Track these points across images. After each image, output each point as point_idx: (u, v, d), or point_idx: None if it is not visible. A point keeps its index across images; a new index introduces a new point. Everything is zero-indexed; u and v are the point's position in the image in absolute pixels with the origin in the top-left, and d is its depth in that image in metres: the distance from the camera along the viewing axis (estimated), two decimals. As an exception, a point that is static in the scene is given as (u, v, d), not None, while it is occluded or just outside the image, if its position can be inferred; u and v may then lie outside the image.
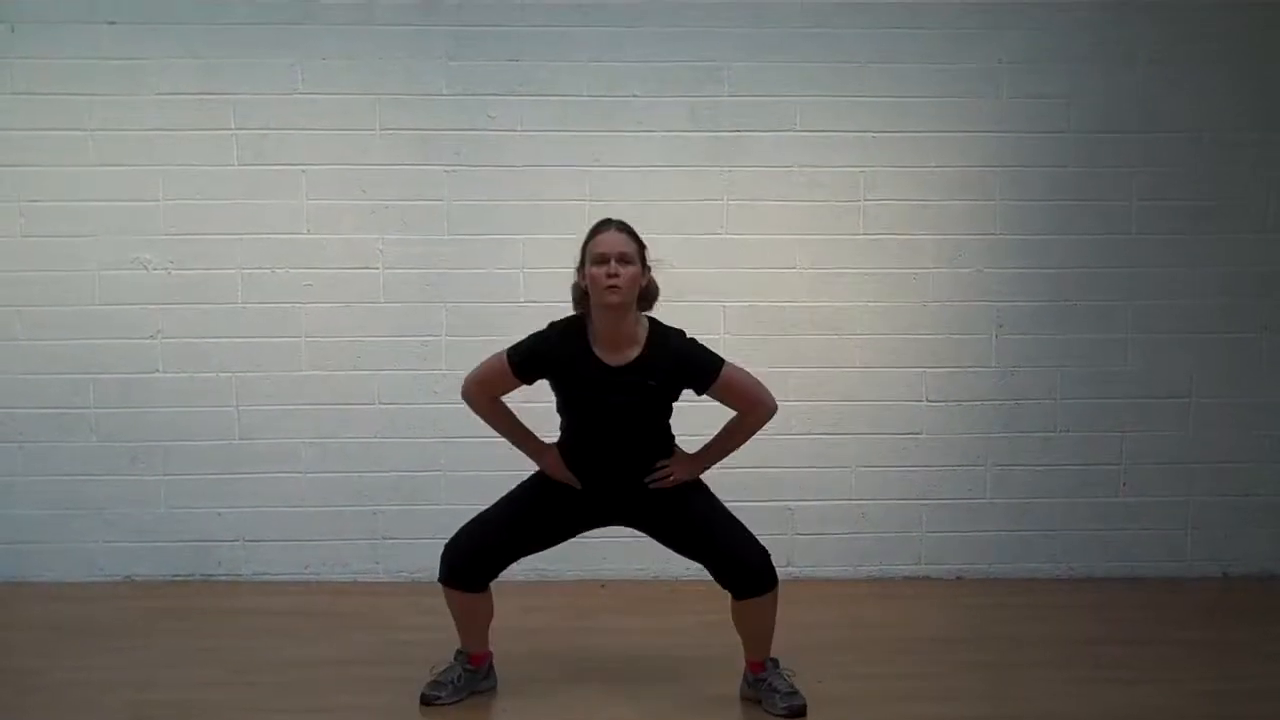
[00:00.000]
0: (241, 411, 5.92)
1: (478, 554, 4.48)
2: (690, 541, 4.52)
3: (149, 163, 5.79)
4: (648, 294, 4.47)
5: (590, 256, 4.33)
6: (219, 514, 5.96)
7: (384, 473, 5.97)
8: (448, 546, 4.52)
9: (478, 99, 5.82)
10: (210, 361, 5.89)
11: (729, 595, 4.45)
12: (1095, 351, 6.05)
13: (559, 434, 4.61)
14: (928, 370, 6.02)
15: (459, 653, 4.67)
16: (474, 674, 4.65)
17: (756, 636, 4.57)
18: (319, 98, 5.80)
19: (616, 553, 5.90)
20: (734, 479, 5.85)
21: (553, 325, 4.50)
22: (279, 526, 5.98)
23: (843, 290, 5.97)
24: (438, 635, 5.10)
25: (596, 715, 4.46)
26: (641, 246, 4.39)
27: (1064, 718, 4.45)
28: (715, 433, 4.62)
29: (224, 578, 5.97)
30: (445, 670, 4.64)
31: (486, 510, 4.59)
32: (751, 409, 4.54)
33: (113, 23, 5.75)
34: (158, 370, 5.88)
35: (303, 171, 5.82)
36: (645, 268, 4.40)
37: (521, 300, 5.73)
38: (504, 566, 4.53)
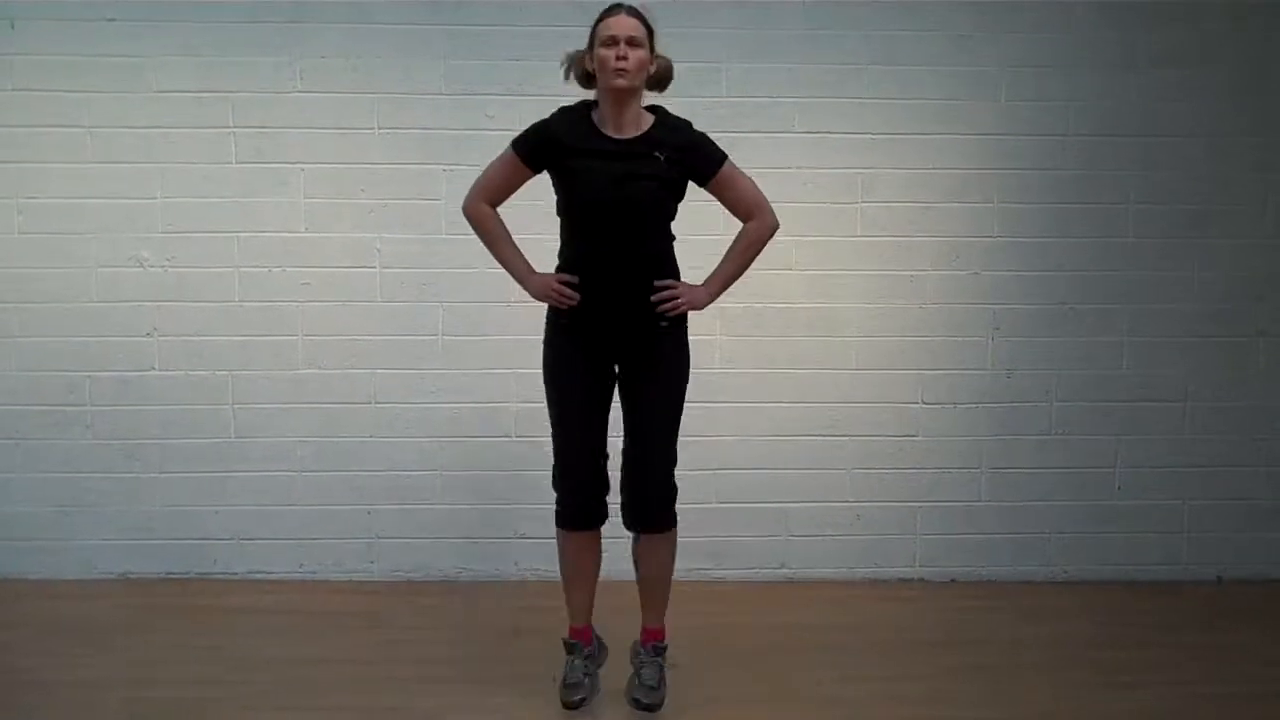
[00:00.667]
0: (237, 410, 5.93)
1: (580, 471, 4.51)
2: (633, 417, 4.50)
3: (147, 160, 5.80)
4: (660, 77, 4.44)
5: (599, 39, 4.31)
6: (215, 512, 5.97)
7: (379, 472, 5.98)
8: (560, 477, 4.55)
9: (476, 98, 5.83)
10: (206, 360, 5.90)
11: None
12: (1092, 354, 6.07)
13: (558, 262, 4.52)
14: (924, 372, 6.04)
15: (569, 644, 4.65)
16: (592, 655, 4.67)
17: (648, 588, 4.62)
18: (317, 96, 5.81)
19: (616, 551, 5.92)
20: (728, 480, 5.93)
21: (557, 110, 4.48)
22: (274, 525, 5.98)
23: (840, 292, 5.98)
24: (433, 635, 5.16)
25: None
26: (651, 31, 4.37)
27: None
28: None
29: (219, 576, 5.98)
30: (569, 670, 4.60)
31: (554, 425, 4.56)
32: (754, 212, 4.51)
33: (112, 20, 5.75)
34: (154, 368, 5.89)
35: (301, 170, 5.83)
36: (654, 52, 4.38)
37: (517, 301, 5.69)
38: (603, 460, 4.54)
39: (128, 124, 5.78)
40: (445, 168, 5.84)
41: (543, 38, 5.76)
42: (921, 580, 6.12)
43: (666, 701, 4.54)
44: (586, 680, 4.57)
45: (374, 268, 5.88)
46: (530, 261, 4.58)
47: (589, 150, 4.33)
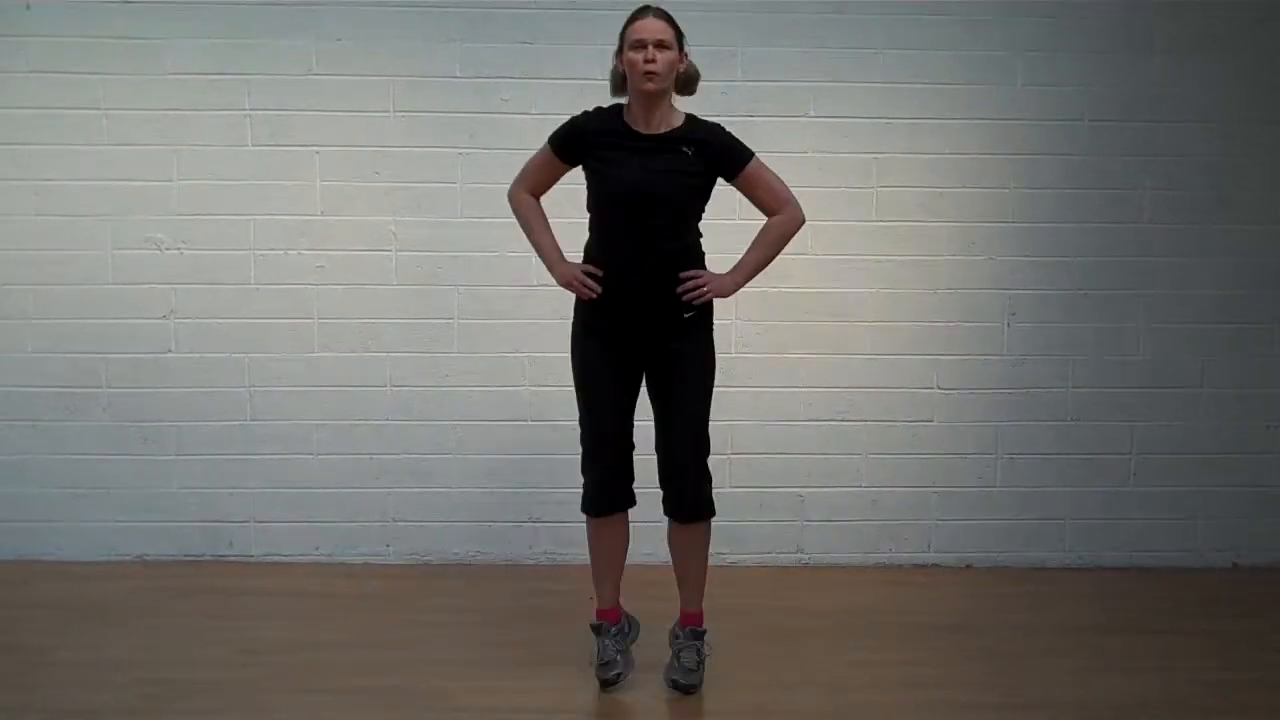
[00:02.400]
0: (254, 392, 5.98)
1: (606, 459, 4.58)
2: (665, 410, 4.58)
3: (163, 143, 5.85)
4: (687, 79, 4.54)
5: (628, 42, 4.43)
6: (231, 494, 6.02)
7: (395, 455, 6.03)
8: (589, 465, 4.62)
9: (491, 82, 5.88)
10: (223, 342, 5.96)
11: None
12: (1107, 340, 6.10)
13: (584, 255, 4.60)
14: (939, 357, 6.08)
15: (597, 627, 4.72)
16: (622, 632, 4.73)
17: (686, 575, 4.70)
18: (333, 79, 5.85)
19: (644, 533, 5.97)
20: (744, 465, 5.97)
21: (593, 108, 4.59)
22: (290, 508, 6.04)
23: (855, 277, 6.02)
24: (449, 617, 5.20)
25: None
26: (679, 34, 4.47)
27: (1070, 706, 4.50)
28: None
29: (235, 558, 6.04)
30: (600, 650, 4.67)
31: (582, 415, 4.62)
32: (780, 207, 4.60)
33: (128, 2, 5.80)
34: (170, 350, 5.94)
35: (316, 153, 5.88)
36: (683, 54, 4.49)
37: (534, 283, 5.74)
38: (629, 449, 4.62)
39: (144, 106, 5.84)
40: (460, 151, 5.89)
41: (557, 20, 5.82)
42: (936, 565, 6.16)
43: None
44: (619, 657, 4.64)
45: (390, 250, 5.93)
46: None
47: (618, 144, 4.44)
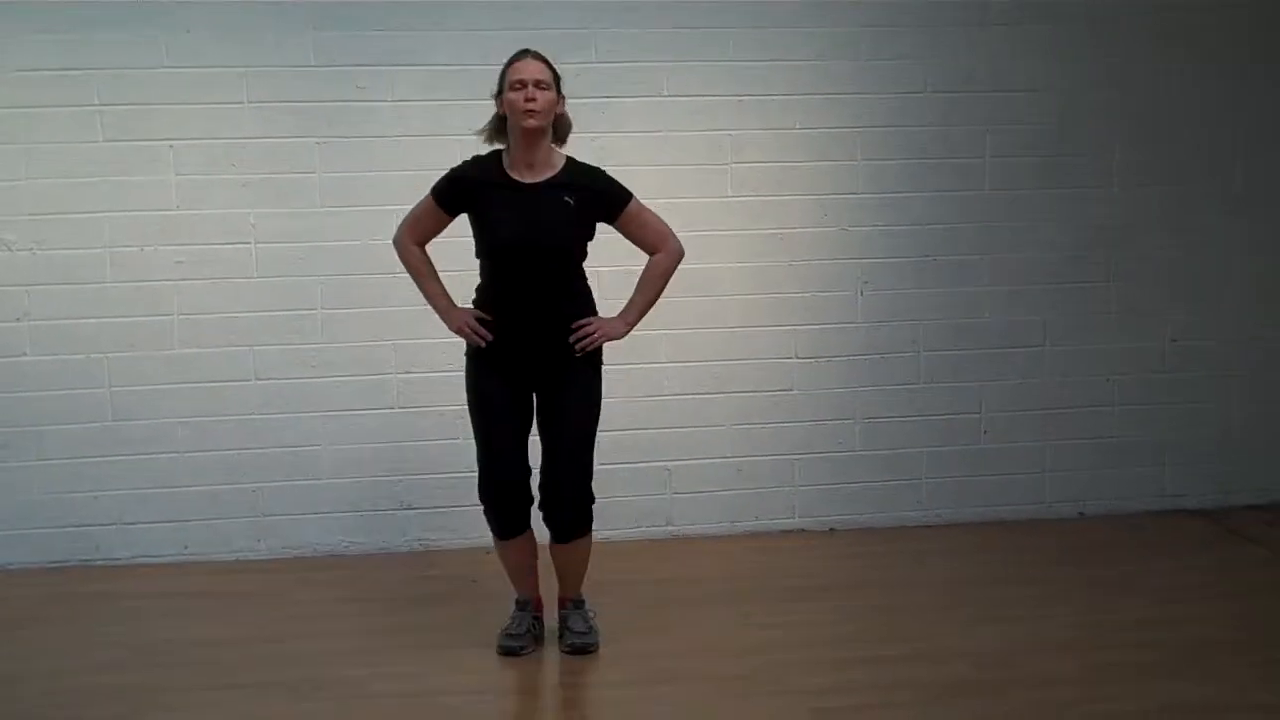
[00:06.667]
0: (114, 393, 6.01)
1: (507, 487, 4.76)
2: (548, 438, 4.83)
3: (10, 141, 5.85)
4: (560, 126, 4.75)
5: (508, 83, 4.61)
6: (95, 498, 6.05)
7: (263, 449, 6.13)
8: (488, 501, 4.81)
9: (346, 70, 5.99)
10: (80, 343, 5.97)
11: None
12: (955, 305, 6.49)
13: (474, 296, 4.81)
14: (797, 328, 6.39)
15: (520, 602, 4.96)
16: (540, 620, 4.99)
17: (564, 575, 4.97)
18: (185, 71, 5.91)
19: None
20: (611, 441, 6.08)
21: (472, 157, 4.78)
22: (157, 508, 6.09)
23: (714, 252, 6.25)
24: (334, 609, 5.33)
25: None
26: (557, 76, 4.66)
27: (971, 654, 4.80)
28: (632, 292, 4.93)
29: (101, 562, 6.06)
30: (515, 622, 4.93)
31: (479, 450, 4.82)
32: (660, 244, 4.88)
33: (-35, -1, 5.76)
34: (26, 354, 5.94)
35: (170, 146, 5.92)
36: (560, 96, 4.68)
37: (398, 271, 5.80)
38: (528, 474, 4.80)
39: (-11, 105, 5.84)
40: (318, 140, 6.01)
41: (409, 7, 5.96)
42: (801, 531, 6.48)
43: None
44: (527, 634, 4.90)
45: (249, 243, 6.01)
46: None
47: (500, 196, 4.66)
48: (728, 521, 6.43)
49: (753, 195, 6.29)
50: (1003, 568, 5.91)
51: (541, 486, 4.82)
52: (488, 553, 6.02)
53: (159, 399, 6.03)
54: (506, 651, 4.83)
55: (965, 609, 5.32)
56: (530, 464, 4.84)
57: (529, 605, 4.97)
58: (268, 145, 5.99)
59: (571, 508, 4.80)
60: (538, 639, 4.95)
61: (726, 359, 6.35)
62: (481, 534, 6.05)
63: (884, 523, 6.51)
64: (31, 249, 5.89)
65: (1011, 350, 6.53)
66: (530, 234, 4.61)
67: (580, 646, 4.84)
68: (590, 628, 4.92)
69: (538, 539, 4.92)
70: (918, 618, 5.23)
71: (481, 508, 4.86)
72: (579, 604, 4.98)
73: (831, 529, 6.49)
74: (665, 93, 6.18)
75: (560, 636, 4.94)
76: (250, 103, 5.95)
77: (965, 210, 6.43)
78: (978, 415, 6.55)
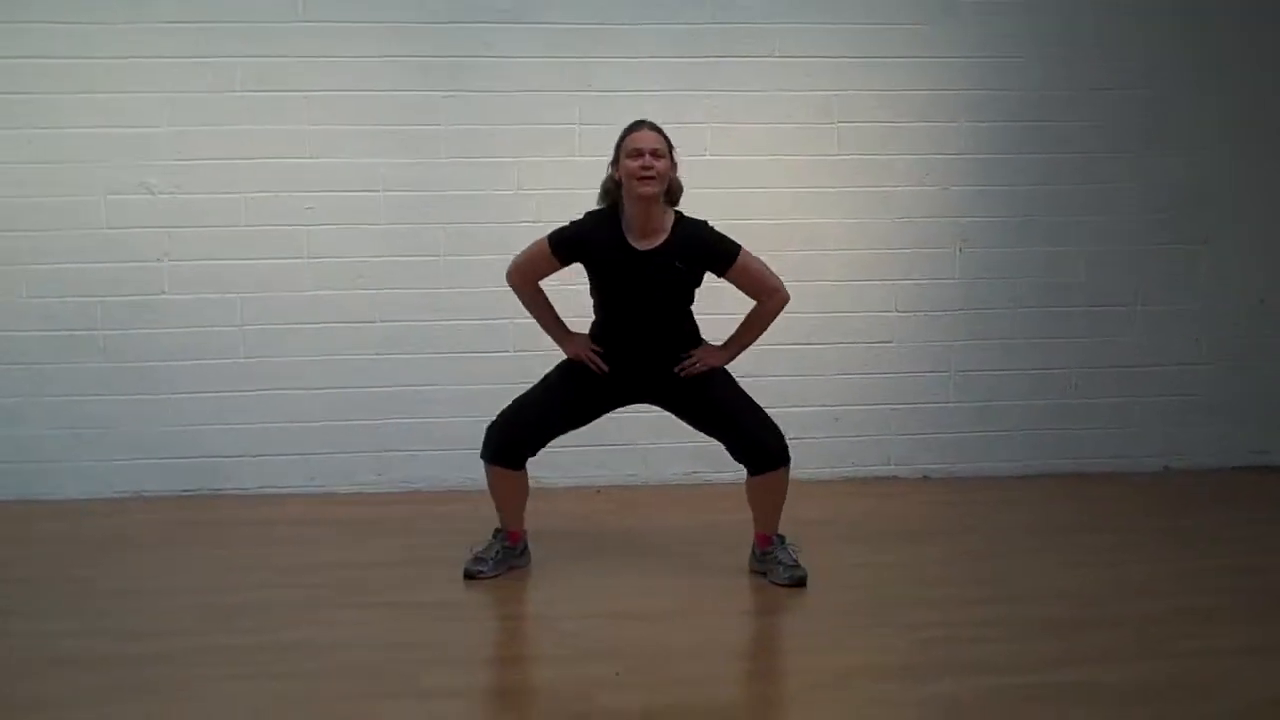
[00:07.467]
0: (246, 331, 6.33)
1: (518, 434, 5.11)
2: (714, 421, 5.15)
3: (154, 89, 6.15)
4: (673, 189, 5.02)
5: (625, 152, 4.89)
6: (225, 430, 6.37)
7: (386, 388, 6.44)
8: (491, 428, 5.15)
9: (475, 26, 6.28)
10: (216, 283, 6.29)
11: (744, 472, 5.12)
12: (1049, 264, 6.73)
13: (590, 323, 5.17)
14: (898, 283, 6.65)
15: (497, 531, 5.27)
16: (511, 550, 5.25)
17: (766, 511, 5.21)
18: (320, 25, 6.21)
19: (613, 460, 6.43)
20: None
21: (589, 214, 5.08)
22: (284, 441, 6.42)
23: (818, 208, 6.53)
24: (454, 538, 5.53)
25: (621, 586, 5.06)
26: (671, 145, 4.94)
27: (1060, 594, 4.99)
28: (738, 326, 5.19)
29: (231, 491, 6.39)
30: (485, 548, 5.24)
31: (524, 394, 5.18)
32: (768, 295, 5.15)
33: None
34: (164, 292, 6.26)
35: (305, 97, 6.22)
36: (674, 163, 4.96)
37: (517, 220, 6.16)
38: (542, 445, 5.15)
39: (135, 54, 6.13)
40: (445, 94, 6.30)
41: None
42: (895, 477, 6.76)
43: (688, 576, 5.09)
44: (495, 561, 5.20)
45: (377, 191, 6.31)
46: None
47: (615, 262, 4.99)
48: (827, 467, 6.68)
49: (856, 154, 6.54)
50: (1090, 517, 6.13)
51: (736, 444, 5.09)
52: (597, 491, 6.42)
53: (289, 337, 6.35)
54: (467, 575, 5.12)
55: (1054, 554, 5.54)
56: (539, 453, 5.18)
57: (501, 534, 5.26)
58: (397, 98, 6.28)
59: (773, 437, 5.06)
60: (500, 565, 5.16)
61: (829, 311, 6.60)
62: (591, 473, 6.44)
63: (975, 472, 6.77)
64: (172, 193, 6.20)
65: (1103, 309, 6.77)
66: (643, 298, 5.01)
67: (800, 579, 5.05)
68: (795, 560, 5.14)
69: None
70: (1009, 561, 5.45)
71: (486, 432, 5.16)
72: (782, 539, 5.23)
73: (925, 476, 6.77)
74: (775, 53, 6.43)
75: (771, 571, 5.13)
76: (381, 56, 6.24)
77: (1062, 173, 6.67)
78: (1068, 370, 6.79)
